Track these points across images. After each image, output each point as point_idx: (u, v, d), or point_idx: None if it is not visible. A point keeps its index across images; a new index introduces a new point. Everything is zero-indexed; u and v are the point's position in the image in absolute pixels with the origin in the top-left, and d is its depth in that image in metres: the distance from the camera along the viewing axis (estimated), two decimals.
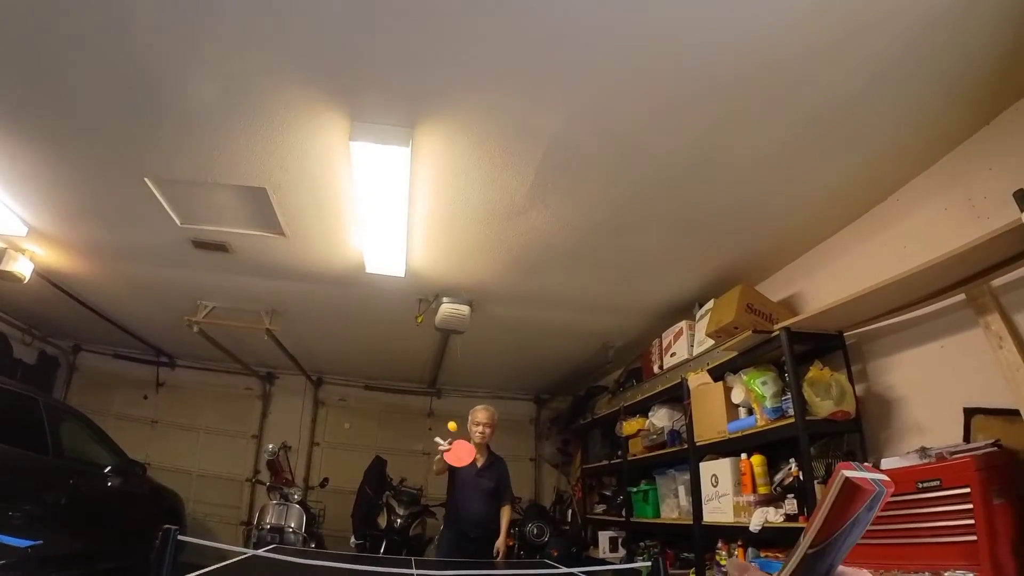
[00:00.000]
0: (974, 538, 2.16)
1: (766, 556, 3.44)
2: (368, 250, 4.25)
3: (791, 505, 3.23)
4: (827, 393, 3.23)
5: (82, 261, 5.06)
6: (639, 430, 5.35)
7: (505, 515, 4.49)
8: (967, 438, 2.63)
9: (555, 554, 5.80)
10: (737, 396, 3.93)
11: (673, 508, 4.75)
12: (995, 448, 2.35)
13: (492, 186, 3.46)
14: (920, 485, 2.41)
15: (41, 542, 4.05)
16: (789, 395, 3.40)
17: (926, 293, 2.94)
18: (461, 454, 4.20)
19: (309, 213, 3.90)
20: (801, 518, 3.14)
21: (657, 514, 4.97)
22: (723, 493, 3.86)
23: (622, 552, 5.49)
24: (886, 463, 2.71)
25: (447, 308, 5.04)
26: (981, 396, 2.67)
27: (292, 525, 6.01)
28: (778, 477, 3.47)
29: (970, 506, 2.20)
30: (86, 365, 8.04)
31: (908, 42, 2.32)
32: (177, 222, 4.15)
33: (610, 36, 2.33)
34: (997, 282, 2.63)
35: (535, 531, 6.27)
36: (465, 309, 5.09)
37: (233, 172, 3.49)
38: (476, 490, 4.41)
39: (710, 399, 4.18)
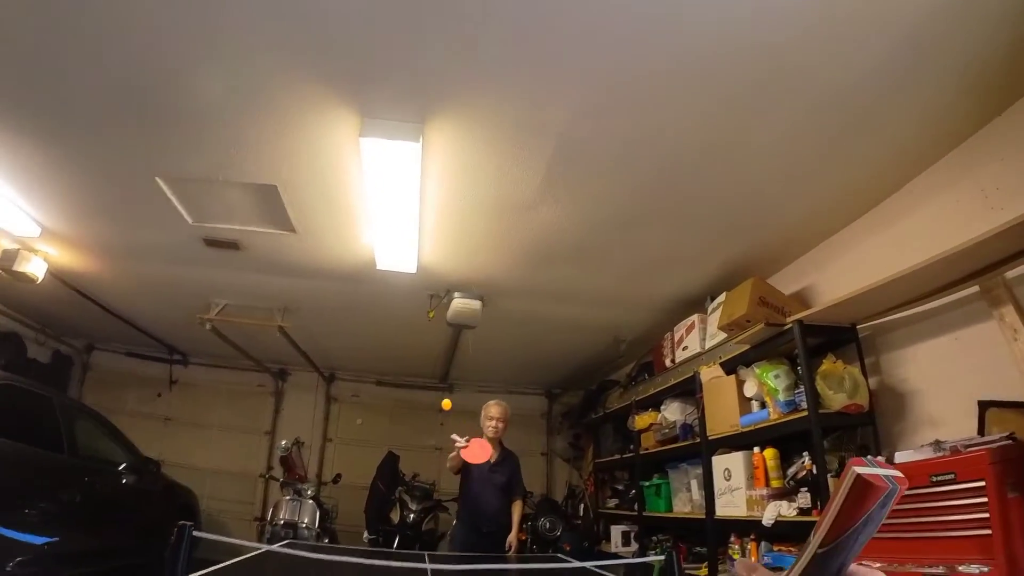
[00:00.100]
0: (989, 532, 2.14)
1: (779, 550, 3.42)
2: (379, 246, 4.25)
3: (804, 499, 3.22)
4: (840, 386, 3.21)
5: (94, 260, 5.10)
6: (651, 424, 5.34)
7: (517, 510, 4.50)
8: (982, 431, 2.60)
9: (567, 548, 5.80)
10: (750, 389, 3.92)
11: (686, 502, 4.74)
12: (1010, 441, 2.33)
13: (502, 180, 3.46)
14: (934, 479, 2.39)
15: (57, 539, 4.10)
16: (802, 388, 3.38)
17: (939, 285, 2.91)
18: (478, 451, 4.22)
19: (320, 210, 3.91)
20: (814, 512, 3.12)
21: (669, 508, 4.96)
22: (736, 487, 3.85)
23: (634, 546, 5.49)
24: (900, 456, 2.69)
25: (459, 303, 5.05)
26: (996, 389, 2.64)
27: (306, 521, 6.04)
28: (791, 471, 3.46)
29: (985, 500, 2.18)
30: (99, 364, 8.12)
31: (918, 34, 2.29)
32: (189, 220, 4.17)
33: (616, 28, 2.32)
34: (1011, 274, 2.60)
35: (547, 525, 6.27)
36: (476, 304, 5.10)
37: (244, 170, 3.51)
38: (489, 485, 4.42)
39: (722, 393, 4.16)
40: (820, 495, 3.08)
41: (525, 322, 5.91)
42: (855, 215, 3.66)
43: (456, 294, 5.05)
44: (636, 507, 5.45)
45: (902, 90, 2.61)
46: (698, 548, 4.47)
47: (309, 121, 3.02)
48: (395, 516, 6.38)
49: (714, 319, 4.49)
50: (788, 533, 3.37)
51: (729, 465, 3.96)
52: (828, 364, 3.30)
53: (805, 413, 3.30)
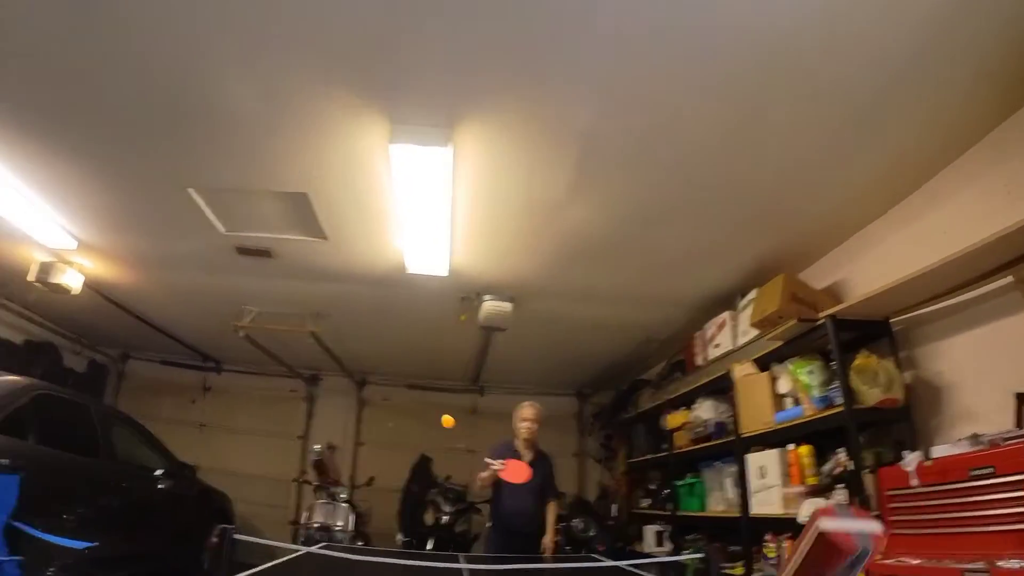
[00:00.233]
0: None
1: None
2: (409, 250, 4.30)
3: (841, 495, 3.19)
4: (875, 381, 3.18)
5: (129, 271, 5.23)
6: (684, 423, 5.32)
7: (551, 511, 4.50)
8: (1019, 423, 2.56)
9: (601, 548, 5.79)
10: (783, 386, 3.90)
11: (720, 501, 4.71)
12: None
13: (532, 181, 3.50)
14: (972, 472, 2.37)
15: (97, 544, 4.19)
16: (836, 384, 3.35)
17: (972, 276, 2.88)
18: (516, 471, 4.24)
19: (350, 216, 3.97)
20: (851, 509, 3.09)
21: (703, 507, 4.94)
22: (771, 484, 3.83)
23: (668, 546, 5.47)
24: (937, 451, 2.66)
25: (489, 305, 5.09)
26: None
27: (340, 523, 6.12)
28: (827, 467, 3.43)
29: None
30: (134, 372, 8.32)
31: (944, 26, 2.29)
32: (221, 230, 4.26)
33: (643, 24, 2.34)
34: None
35: (580, 526, 6.27)
36: (507, 306, 5.13)
37: (275, 179, 3.59)
38: (522, 487, 4.42)
39: (756, 390, 4.14)
40: (857, 492, 3.05)
41: (555, 322, 5.92)
42: (884, 208, 3.63)
43: (487, 296, 5.09)
44: (669, 507, 5.43)
45: (926, 83, 2.60)
46: (732, 547, 4.44)
47: (339, 129, 3.07)
48: (429, 518, 6.42)
49: (745, 316, 4.46)
50: None
51: (764, 463, 3.94)
52: (862, 359, 3.26)
53: (840, 409, 3.27)
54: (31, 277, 4.82)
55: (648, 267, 4.67)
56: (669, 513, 5.45)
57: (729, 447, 4.48)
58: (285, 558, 3.01)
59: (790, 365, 3.78)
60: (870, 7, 2.22)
